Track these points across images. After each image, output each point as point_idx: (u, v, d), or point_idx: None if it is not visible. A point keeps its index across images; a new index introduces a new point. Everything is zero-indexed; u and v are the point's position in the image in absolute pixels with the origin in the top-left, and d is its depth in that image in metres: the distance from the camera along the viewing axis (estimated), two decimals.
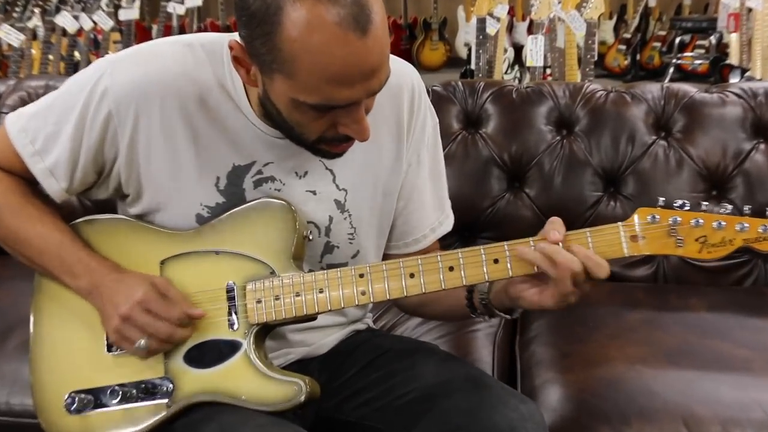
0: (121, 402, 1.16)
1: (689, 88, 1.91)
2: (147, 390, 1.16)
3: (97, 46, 4.88)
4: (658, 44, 6.38)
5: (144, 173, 1.18)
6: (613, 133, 1.87)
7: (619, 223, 1.06)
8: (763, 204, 1.04)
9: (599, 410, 1.34)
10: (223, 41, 1.17)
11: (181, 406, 1.14)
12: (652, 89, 1.92)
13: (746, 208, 1.03)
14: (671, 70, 5.61)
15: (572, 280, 1.03)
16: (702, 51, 5.86)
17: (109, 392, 1.17)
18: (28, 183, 1.22)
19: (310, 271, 1.17)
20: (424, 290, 1.11)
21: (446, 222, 1.35)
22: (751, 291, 1.80)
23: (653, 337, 1.55)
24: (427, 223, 1.32)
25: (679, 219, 1.03)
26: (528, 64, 3.24)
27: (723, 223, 1.02)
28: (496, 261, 1.08)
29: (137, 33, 4.88)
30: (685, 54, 5.82)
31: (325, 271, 1.14)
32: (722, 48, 5.56)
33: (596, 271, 1.04)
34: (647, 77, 6.30)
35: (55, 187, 1.19)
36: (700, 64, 5.79)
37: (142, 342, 1.10)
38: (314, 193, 1.21)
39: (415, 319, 1.68)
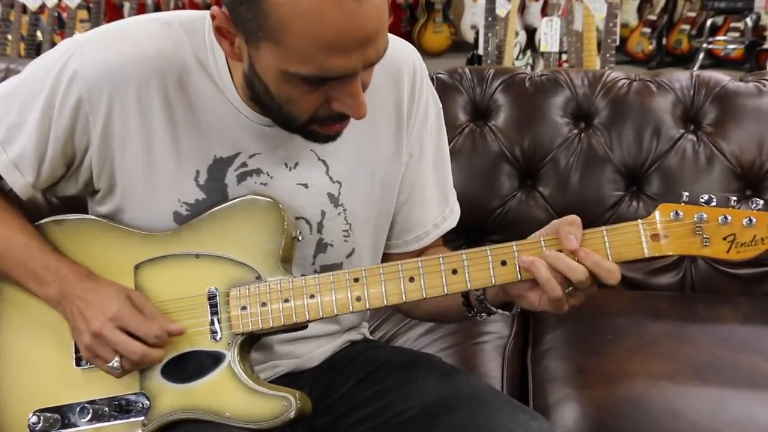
0: (91, 421, 1.17)
1: (722, 77, 1.94)
2: (120, 407, 1.17)
3: (61, 26, 4.91)
4: (686, 27, 6.46)
5: (117, 165, 1.19)
6: (637, 126, 1.90)
7: (639, 221, 1.07)
8: None
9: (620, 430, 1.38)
10: (204, 18, 1.18)
11: (159, 425, 1.15)
12: (680, 77, 1.95)
13: None
14: (701, 55, 5.71)
15: (563, 287, 1.05)
16: (736, 35, 5.94)
17: (78, 410, 1.18)
18: None
19: (302, 275, 1.18)
20: (424, 295, 1.12)
21: (451, 217, 1.37)
22: None
23: (679, 351, 1.59)
24: (429, 218, 1.34)
25: (705, 216, 1.05)
26: (542, 49, 3.28)
27: (754, 219, 1.03)
28: (503, 263, 1.10)
29: (107, 11, 4.91)
30: (717, 38, 5.91)
31: (317, 275, 1.16)
32: (759, 31, 5.64)
33: (606, 278, 1.05)
34: (674, 64, 6.38)
35: (20, 182, 1.20)
36: (734, 49, 5.88)
37: (115, 363, 1.11)
38: (306, 186, 1.23)
39: (417, 330, 1.72)
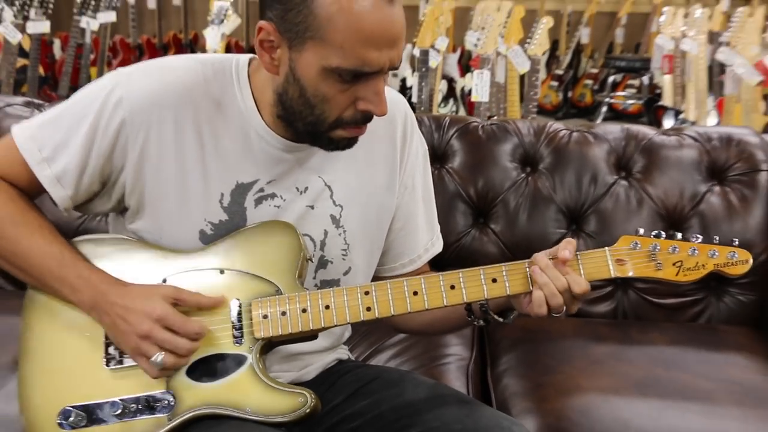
0: (119, 417, 1.22)
1: (648, 131, 2.10)
2: (147, 404, 1.22)
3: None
4: (590, 82, 6.80)
5: (149, 184, 1.27)
6: (577, 172, 2.04)
7: (606, 248, 1.25)
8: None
9: None
10: (230, 61, 1.31)
11: (183, 420, 1.21)
12: (612, 130, 2.09)
13: (715, 238, 1.24)
14: (604, 108, 5.98)
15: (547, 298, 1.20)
16: (633, 91, 6.28)
17: (106, 407, 1.22)
18: (27, 196, 1.30)
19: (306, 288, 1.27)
20: (426, 306, 1.24)
21: (438, 243, 1.50)
22: (705, 327, 2.00)
23: (620, 369, 1.72)
24: (421, 244, 1.46)
25: (658, 246, 1.24)
26: (473, 99, 3.43)
27: (696, 250, 1.23)
28: (494, 281, 1.23)
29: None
30: (618, 93, 6.22)
31: (331, 289, 1.25)
32: (652, 89, 5.97)
33: (576, 289, 1.20)
34: (579, 115, 6.70)
35: (61, 194, 1.27)
36: (632, 104, 6.20)
37: (159, 357, 1.17)
38: (312, 207, 1.33)
39: (388, 352, 1.81)
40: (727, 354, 1.84)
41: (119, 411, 1.22)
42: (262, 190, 1.30)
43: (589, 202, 2.04)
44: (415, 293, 1.24)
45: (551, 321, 1.92)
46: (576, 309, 1.25)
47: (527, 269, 1.23)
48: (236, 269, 1.27)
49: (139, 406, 1.22)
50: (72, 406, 1.23)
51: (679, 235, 1.25)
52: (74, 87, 5.08)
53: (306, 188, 1.33)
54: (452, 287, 1.24)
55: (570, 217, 2.05)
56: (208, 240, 1.29)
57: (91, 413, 1.22)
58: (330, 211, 1.35)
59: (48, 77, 5.72)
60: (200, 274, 1.27)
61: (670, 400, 1.61)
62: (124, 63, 6.24)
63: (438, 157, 2.09)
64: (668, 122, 5.00)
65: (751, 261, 1.24)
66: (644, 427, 1.52)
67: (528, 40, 3.83)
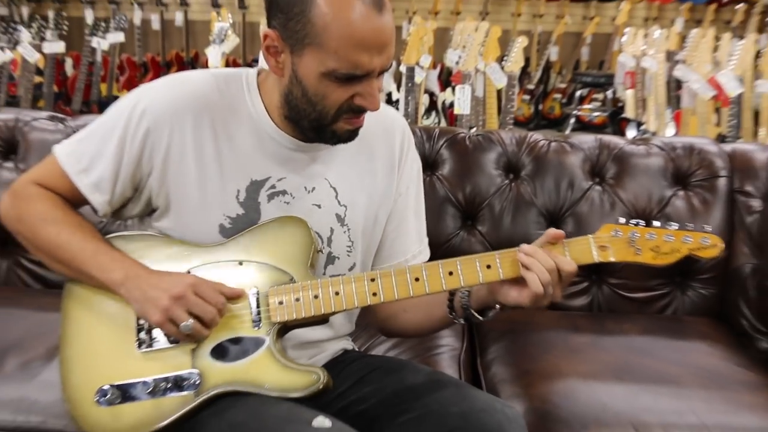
0: (150, 394, 1.26)
1: (619, 140, 2.15)
2: (176, 383, 1.26)
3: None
4: (558, 96, 6.87)
5: (174, 184, 1.33)
6: (555, 178, 2.08)
7: (590, 236, 1.28)
8: None
9: (562, 419, 1.54)
10: (241, 73, 1.37)
11: (208, 396, 1.25)
12: (587, 140, 2.14)
13: (689, 225, 1.27)
14: (572, 120, 6.06)
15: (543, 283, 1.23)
16: (598, 104, 6.37)
17: (139, 386, 1.27)
18: (68, 202, 1.36)
19: None
20: (427, 291, 1.27)
21: (425, 252, 1.54)
22: (672, 318, 2.05)
23: (597, 356, 1.77)
24: (409, 250, 1.50)
25: (637, 234, 1.27)
26: (456, 111, 3.48)
27: (672, 236, 1.26)
28: (488, 266, 1.27)
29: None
30: (584, 106, 6.30)
31: (340, 276, 1.30)
32: (615, 102, 6.07)
33: (566, 267, 1.24)
34: (549, 126, 6.75)
35: (99, 199, 1.34)
36: (597, 116, 6.29)
37: (190, 322, 1.22)
38: (319, 206, 1.38)
39: (386, 344, 1.85)
40: (692, 342, 1.90)
41: (150, 389, 1.26)
42: (273, 186, 1.35)
43: (567, 205, 2.08)
44: (417, 279, 1.27)
45: (533, 314, 1.98)
46: (561, 296, 1.28)
47: (518, 252, 1.27)
48: (254, 261, 1.31)
49: (169, 385, 1.26)
50: (108, 386, 1.27)
51: (657, 223, 1.28)
52: (86, 102, 5.10)
53: (313, 188, 1.38)
54: (450, 273, 1.27)
55: (550, 219, 2.09)
56: (227, 233, 1.34)
57: (125, 391, 1.27)
58: (335, 210, 1.40)
59: (62, 93, 5.72)
60: (221, 265, 1.31)
61: (643, 384, 1.66)
62: (130, 79, 6.27)
63: (429, 165, 2.12)
64: (631, 132, 5.09)
65: (721, 245, 1.26)
66: (621, 409, 1.57)
67: (505, 58, 3.89)
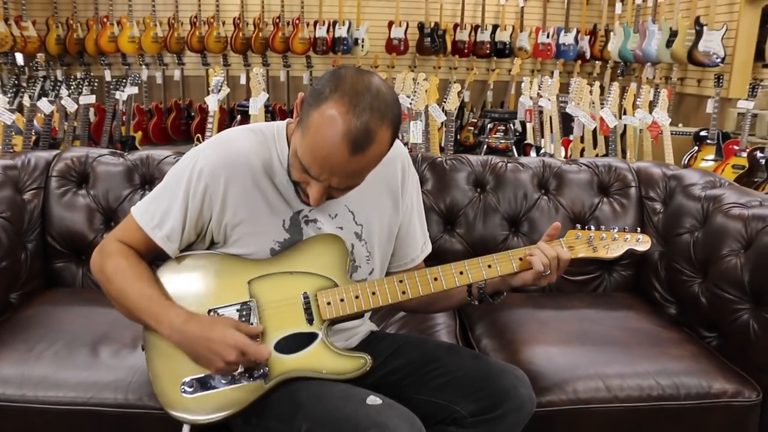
0: (227, 384, 1.19)
1: (557, 162, 2.13)
2: (248, 373, 1.20)
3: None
4: (471, 128, 6.93)
5: (231, 224, 1.25)
6: (513, 191, 2.05)
7: (561, 239, 1.31)
8: None
9: (547, 377, 1.52)
10: (272, 127, 1.30)
11: (275, 383, 1.20)
12: (534, 161, 2.12)
13: (626, 227, 1.34)
14: (484, 147, 6.11)
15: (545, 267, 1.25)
16: (502, 134, 6.45)
17: (216, 377, 1.20)
18: (143, 256, 1.28)
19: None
20: (444, 287, 1.26)
21: (428, 245, 1.51)
22: (604, 294, 2.04)
23: (561, 326, 1.75)
24: (418, 246, 1.47)
25: (592, 236, 1.32)
26: (411, 141, 3.45)
27: (617, 235, 1.32)
28: (489, 266, 1.27)
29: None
30: (492, 136, 6.36)
31: (375, 279, 1.27)
32: (514, 132, 6.16)
33: (563, 256, 1.27)
34: (465, 152, 6.74)
35: (171, 247, 1.27)
36: (502, 143, 6.35)
37: (241, 368, 1.19)
38: (341, 228, 1.33)
39: (395, 325, 1.78)
40: (623, 311, 1.89)
41: (227, 379, 1.19)
42: (306, 216, 1.30)
43: (523, 211, 2.06)
44: (435, 279, 1.26)
45: (510, 296, 1.95)
46: (555, 278, 1.30)
47: (510, 257, 1.28)
48: (301, 271, 1.26)
49: (242, 374, 1.20)
50: (191, 378, 1.20)
51: (603, 228, 1.34)
52: (111, 140, 4.86)
53: (336, 214, 1.32)
54: (461, 273, 1.26)
55: (510, 222, 2.06)
56: (275, 253, 1.28)
57: (205, 382, 1.20)
58: (354, 229, 1.35)
59: (88, 134, 5.45)
60: (275, 276, 1.26)
61: (599, 345, 1.65)
62: (140, 122, 6.02)
63: None
64: (533, 154, 5.15)
65: (650, 241, 1.35)
66: (588, 365, 1.56)
67: (444, 100, 3.88)
